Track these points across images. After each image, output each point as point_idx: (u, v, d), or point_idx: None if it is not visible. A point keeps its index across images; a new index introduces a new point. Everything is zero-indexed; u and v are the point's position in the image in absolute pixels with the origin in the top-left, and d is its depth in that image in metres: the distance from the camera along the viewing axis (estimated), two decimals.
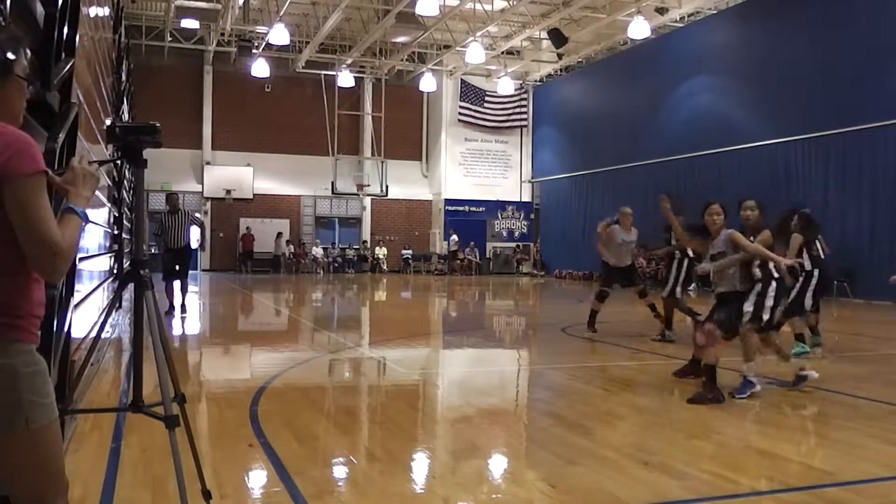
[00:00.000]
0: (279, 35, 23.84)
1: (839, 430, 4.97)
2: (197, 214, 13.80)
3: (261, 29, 25.92)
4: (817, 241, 8.22)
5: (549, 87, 31.62)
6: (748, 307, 5.81)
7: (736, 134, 20.43)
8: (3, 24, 2.81)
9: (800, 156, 18.75)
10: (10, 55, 1.92)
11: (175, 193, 12.41)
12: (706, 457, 4.32)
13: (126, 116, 14.15)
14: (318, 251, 29.82)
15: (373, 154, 30.46)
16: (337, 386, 7.12)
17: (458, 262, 30.03)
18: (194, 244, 12.45)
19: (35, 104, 3.39)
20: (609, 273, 10.28)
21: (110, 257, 9.72)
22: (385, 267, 30.38)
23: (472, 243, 30.69)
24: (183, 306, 11.97)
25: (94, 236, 6.72)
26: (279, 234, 29.48)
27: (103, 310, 7.74)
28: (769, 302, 5.84)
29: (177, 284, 11.89)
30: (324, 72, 28.73)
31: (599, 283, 10.72)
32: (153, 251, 11.61)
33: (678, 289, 9.18)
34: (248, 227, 28.79)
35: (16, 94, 1.97)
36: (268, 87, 28.85)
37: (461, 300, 19.22)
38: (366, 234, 31.22)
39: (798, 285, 7.89)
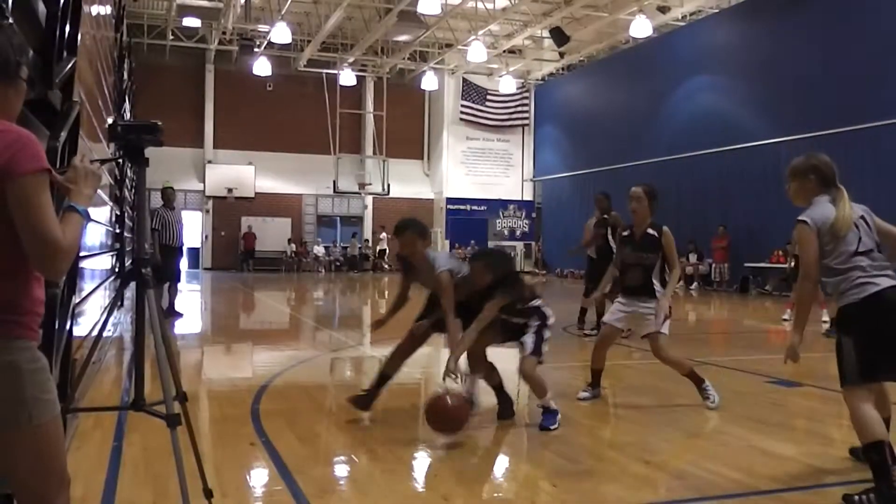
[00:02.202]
0: (281, 34, 23.83)
1: (840, 429, 4.96)
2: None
3: (262, 27, 25.93)
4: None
5: (550, 85, 31.59)
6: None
7: (737, 133, 20.40)
8: (4, 24, 2.81)
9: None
10: (16, 59, 1.97)
11: (171, 188, 11.59)
12: (707, 456, 4.31)
13: (128, 115, 14.15)
14: (319, 250, 29.84)
15: (374, 153, 30.47)
16: (339, 385, 7.12)
17: (378, 260, 30.25)
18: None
19: (37, 103, 3.39)
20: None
21: (112, 256, 9.73)
22: (386, 266, 30.40)
23: (473, 242, 30.67)
24: (172, 308, 11.13)
25: (95, 235, 6.72)
26: (354, 234, 30.19)
27: (105, 308, 7.75)
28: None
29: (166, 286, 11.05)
30: (325, 70, 28.73)
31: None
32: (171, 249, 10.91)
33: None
34: (249, 226, 28.81)
35: (16, 96, 2.01)
36: (269, 86, 28.86)
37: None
38: (367, 232, 31.24)
39: None
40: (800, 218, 3.84)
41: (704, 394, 5.52)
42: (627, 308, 5.69)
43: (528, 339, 4.90)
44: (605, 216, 10.25)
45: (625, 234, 5.81)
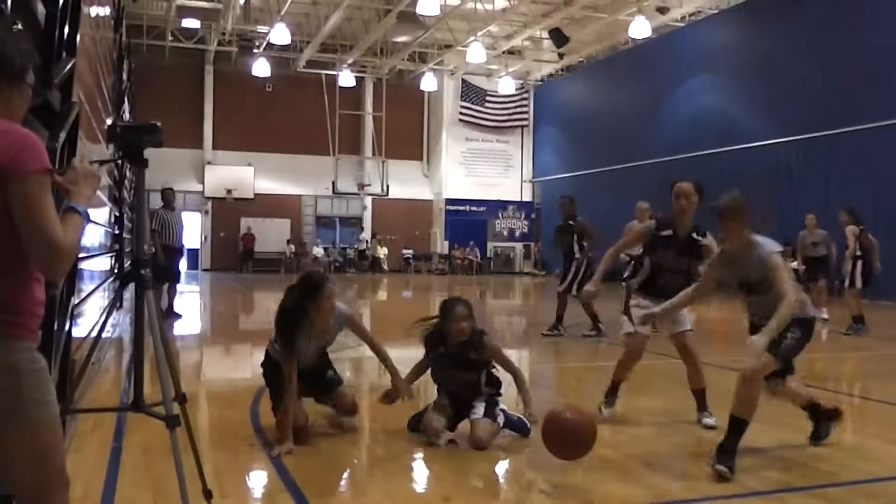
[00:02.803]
0: (280, 34, 23.85)
1: (841, 429, 4.95)
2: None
3: (262, 28, 25.93)
4: None
5: (550, 86, 31.61)
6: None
7: (737, 133, 20.42)
8: (13, 29, 2.82)
9: (801, 155, 18.72)
10: (22, 63, 1.99)
11: (170, 189, 11.51)
12: (708, 456, 4.30)
13: (127, 116, 14.14)
14: (318, 250, 29.83)
15: (373, 154, 30.47)
16: None
17: (355, 254, 30.32)
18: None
19: (36, 104, 3.39)
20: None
21: (111, 257, 9.72)
22: (385, 266, 30.39)
23: (473, 243, 30.71)
24: (171, 309, 11.03)
25: (95, 236, 6.72)
26: (374, 235, 30.17)
27: (104, 309, 7.74)
28: None
29: (165, 287, 10.98)
30: (325, 71, 28.73)
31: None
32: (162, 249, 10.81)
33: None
34: (248, 227, 28.80)
35: (21, 100, 2.02)
36: (269, 87, 28.86)
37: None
38: (367, 233, 31.23)
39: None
40: (779, 250, 4.23)
41: (704, 419, 4.96)
42: (647, 307, 4.99)
43: (480, 408, 4.61)
44: (571, 222, 10.01)
45: (666, 233, 4.98)
